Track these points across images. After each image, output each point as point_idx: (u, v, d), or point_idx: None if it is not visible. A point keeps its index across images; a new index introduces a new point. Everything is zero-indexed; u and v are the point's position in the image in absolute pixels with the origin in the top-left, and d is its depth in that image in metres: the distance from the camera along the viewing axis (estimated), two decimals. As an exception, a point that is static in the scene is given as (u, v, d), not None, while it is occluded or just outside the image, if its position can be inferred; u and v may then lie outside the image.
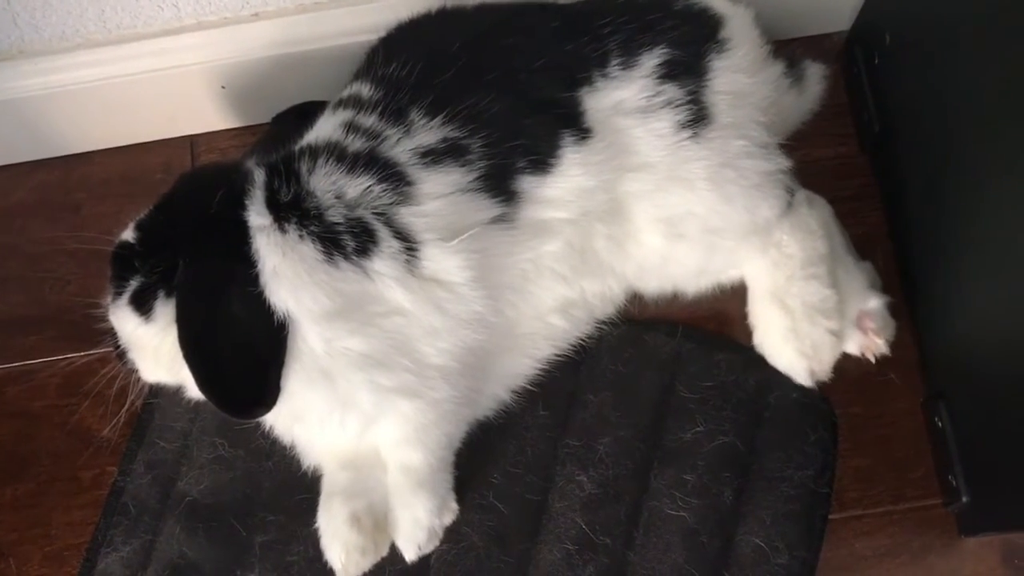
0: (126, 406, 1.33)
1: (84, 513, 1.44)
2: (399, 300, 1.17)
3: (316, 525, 1.31)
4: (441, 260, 1.19)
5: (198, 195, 1.19)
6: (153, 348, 1.21)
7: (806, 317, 1.33)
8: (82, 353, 1.42)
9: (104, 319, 1.26)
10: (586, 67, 1.27)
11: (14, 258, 1.60)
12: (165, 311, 1.17)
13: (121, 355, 1.26)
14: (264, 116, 1.58)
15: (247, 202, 1.16)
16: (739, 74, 1.30)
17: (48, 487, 1.46)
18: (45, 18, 1.42)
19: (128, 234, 1.23)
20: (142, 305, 1.19)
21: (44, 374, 1.52)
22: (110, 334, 1.26)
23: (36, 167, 1.66)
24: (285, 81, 1.50)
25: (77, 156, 1.65)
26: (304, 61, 1.48)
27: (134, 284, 1.20)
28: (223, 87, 1.54)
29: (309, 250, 1.14)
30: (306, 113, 1.36)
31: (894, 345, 1.39)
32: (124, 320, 1.21)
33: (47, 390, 1.51)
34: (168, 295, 1.17)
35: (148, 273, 1.19)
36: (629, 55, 1.27)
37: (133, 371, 1.27)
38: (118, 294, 1.21)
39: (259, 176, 1.19)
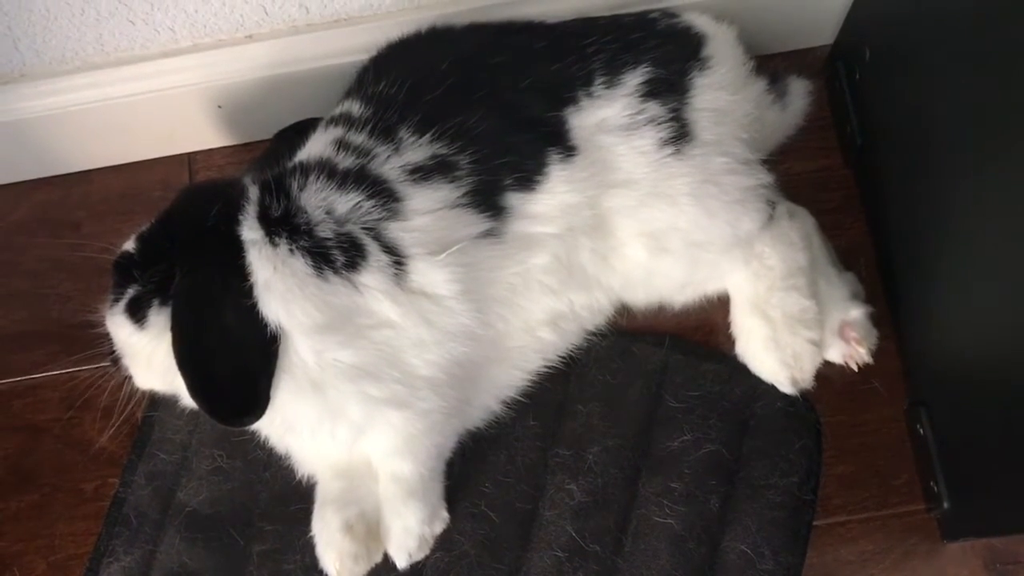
0: (125, 416, 1.36)
1: (86, 524, 1.47)
2: (388, 313, 1.20)
3: (311, 534, 1.34)
4: (429, 274, 1.21)
5: (196, 209, 1.22)
6: (146, 356, 1.23)
7: (786, 327, 1.35)
8: (84, 367, 1.46)
9: (100, 324, 1.29)
10: (571, 86, 1.29)
11: (16, 275, 1.63)
12: (159, 320, 1.20)
13: (115, 360, 1.28)
14: (259, 134, 1.62)
15: (241, 217, 1.19)
16: (721, 91, 1.33)
17: (51, 498, 1.49)
18: (45, 42, 1.45)
19: (129, 245, 1.26)
20: (136, 313, 1.22)
21: (47, 388, 1.55)
22: (106, 339, 1.29)
23: (37, 186, 1.69)
24: (279, 100, 1.53)
25: (77, 175, 1.68)
26: (297, 80, 1.51)
27: (131, 292, 1.23)
28: (219, 106, 1.56)
29: (299, 264, 1.17)
30: (304, 130, 1.38)
31: (878, 354, 1.41)
32: (119, 327, 1.24)
33: (50, 404, 1.54)
34: (162, 304, 1.20)
35: (145, 282, 1.21)
36: (613, 74, 1.30)
37: (127, 377, 1.29)
38: (115, 301, 1.24)
39: (253, 192, 1.22)
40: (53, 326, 1.58)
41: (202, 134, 1.63)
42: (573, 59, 1.31)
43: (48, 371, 1.56)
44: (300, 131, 1.40)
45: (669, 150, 1.29)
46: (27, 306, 1.61)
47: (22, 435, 1.53)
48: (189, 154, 1.67)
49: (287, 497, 1.42)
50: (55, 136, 1.57)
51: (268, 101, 1.54)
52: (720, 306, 1.44)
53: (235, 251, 1.18)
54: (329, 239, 1.19)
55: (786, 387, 1.38)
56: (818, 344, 1.37)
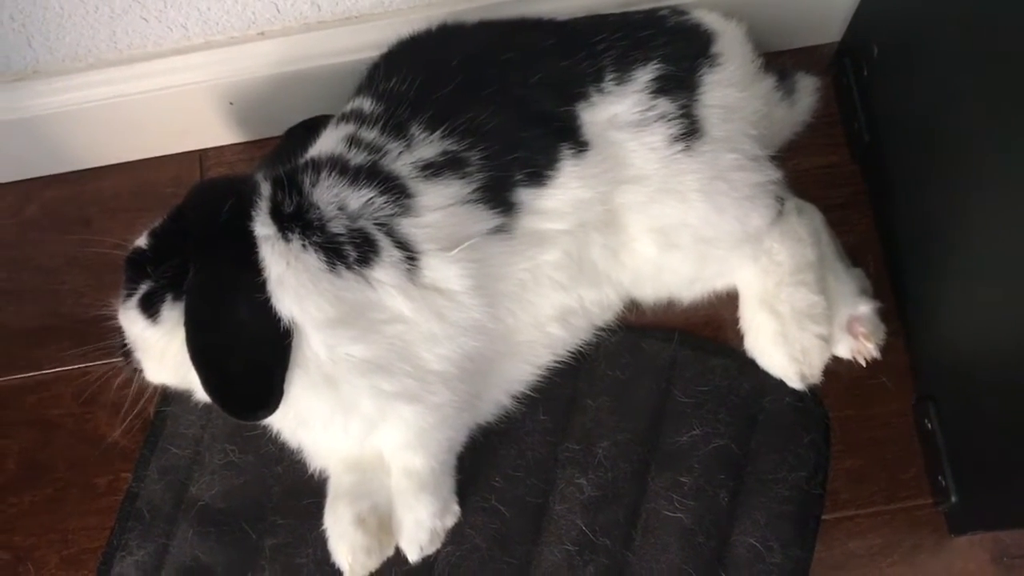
0: (137, 411, 1.37)
1: (100, 518, 1.48)
2: (400, 307, 1.21)
3: (324, 527, 1.35)
4: (441, 269, 1.22)
5: (209, 205, 1.23)
6: (159, 350, 1.24)
7: (795, 322, 1.36)
8: (97, 363, 1.46)
9: (113, 319, 1.30)
10: (582, 82, 1.30)
11: (29, 271, 1.64)
12: (172, 315, 1.21)
13: (127, 354, 1.29)
14: (270, 131, 1.63)
15: (253, 213, 1.20)
16: (730, 88, 1.33)
17: (65, 493, 1.50)
18: (59, 40, 1.45)
19: (142, 240, 1.27)
20: (149, 308, 1.23)
21: (60, 383, 1.56)
22: (118, 334, 1.30)
23: (49, 182, 1.69)
24: (290, 97, 1.54)
25: (89, 171, 1.69)
26: (308, 77, 1.52)
27: (144, 288, 1.23)
28: (231, 103, 1.57)
29: (312, 259, 1.18)
30: (314, 127, 1.39)
31: (886, 349, 1.41)
32: (132, 321, 1.25)
33: (63, 399, 1.55)
34: (175, 299, 1.21)
35: (158, 278, 1.22)
36: (623, 70, 1.31)
37: (138, 371, 1.30)
38: (128, 297, 1.25)
39: (265, 188, 1.23)
40: (65, 322, 1.59)
41: (214, 131, 1.63)
42: (583, 56, 1.31)
43: (61, 366, 1.57)
44: (311, 128, 1.41)
45: (679, 146, 1.29)
46: (39, 302, 1.62)
47: (35, 430, 1.54)
48: (200, 151, 1.68)
49: (299, 491, 1.42)
50: (68, 133, 1.58)
51: (279, 98, 1.55)
52: (728, 301, 1.45)
53: (248, 247, 1.18)
54: (342, 235, 1.20)
55: (795, 382, 1.39)
56: (827, 339, 1.37)
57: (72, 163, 1.68)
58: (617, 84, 1.30)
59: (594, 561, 1.37)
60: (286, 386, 1.19)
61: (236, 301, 1.18)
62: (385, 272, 1.20)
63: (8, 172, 1.68)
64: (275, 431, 1.36)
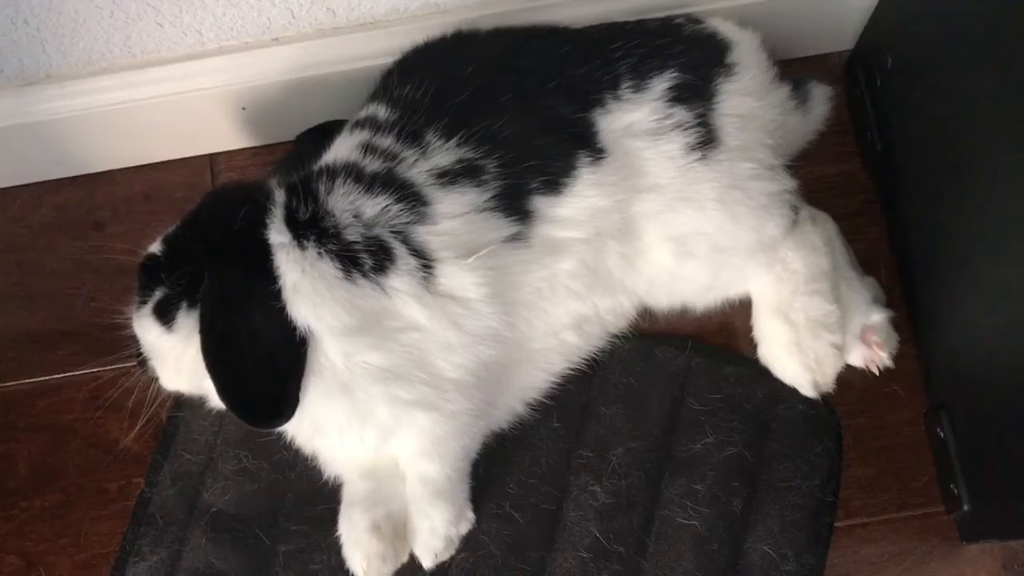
0: (150, 416, 1.37)
1: (112, 523, 1.48)
2: (416, 316, 1.21)
3: (338, 534, 1.35)
4: (457, 277, 1.22)
5: (223, 212, 1.23)
6: (175, 358, 1.24)
7: (809, 331, 1.36)
8: (109, 367, 1.46)
9: (126, 326, 1.30)
10: (598, 89, 1.30)
11: (41, 275, 1.64)
12: (187, 322, 1.21)
13: (143, 362, 1.29)
14: (282, 136, 1.63)
15: (268, 220, 1.20)
16: (746, 97, 1.34)
17: (76, 498, 1.50)
18: (73, 44, 1.45)
19: (156, 247, 1.27)
20: (165, 315, 1.23)
21: (72, 388, 1.56)
22: (133, 341, 1.30)
23: (61, 185, 1.69)
24: (303, 102, 1.53)
25: (101, 174, 1.68)
26: (322, 84, 1.51)
27: (158, 295, 1.23)
28: (243, 108, 1.57)
29: (328, 267, 1.18)
30: (326, 132, 1.39)
31: (898, 358, 1.42)
32: (147, 329, 1.25)
33: (75, 403, 1.55)
34: (190, 307, 1.21)
35: (173, 285, 1.22)
36: (640, 78, 1.31)
37: (154, 378, 1.30)
38: (142, 303, 1.25)
39: (279, 195, 1.23)
40: (77, 326, 1.59)
41: (225, 135, 1.63)
42: (599, 63, 1.31)
43: (72, 371, 1.56)
44: (324, 133, 1.41)
45: (696, 155, 1.29)
46: (51, 306, 1.61)
47: (46, 435, 1.54)
48: (211, 155, 1.68)
49: (313, 497, 1.43)
50: (79, 136, 1.58)
51: (292, 103, 1.55)
52: (740, 309, 1.45)
53: (263, 254, 1.18)
54: (357, 242, 1.19)
55: (808, 391, 1.39)
56: (840, 348, 1.38)
57: (83, 166, 1.67)
58: (634, 92, 1.30)
59: (608, 568, 1.37)
60: (301, 394, 1.19)
61: (251, 309, 1.18)
62: (401, 280, 1.20)
63: (20, 175, 1.68)
64: (290, 438, 1.36)
